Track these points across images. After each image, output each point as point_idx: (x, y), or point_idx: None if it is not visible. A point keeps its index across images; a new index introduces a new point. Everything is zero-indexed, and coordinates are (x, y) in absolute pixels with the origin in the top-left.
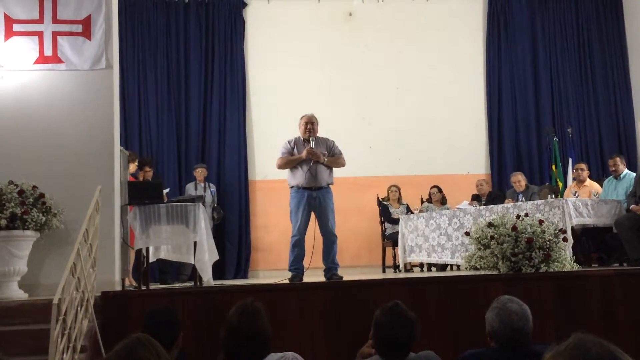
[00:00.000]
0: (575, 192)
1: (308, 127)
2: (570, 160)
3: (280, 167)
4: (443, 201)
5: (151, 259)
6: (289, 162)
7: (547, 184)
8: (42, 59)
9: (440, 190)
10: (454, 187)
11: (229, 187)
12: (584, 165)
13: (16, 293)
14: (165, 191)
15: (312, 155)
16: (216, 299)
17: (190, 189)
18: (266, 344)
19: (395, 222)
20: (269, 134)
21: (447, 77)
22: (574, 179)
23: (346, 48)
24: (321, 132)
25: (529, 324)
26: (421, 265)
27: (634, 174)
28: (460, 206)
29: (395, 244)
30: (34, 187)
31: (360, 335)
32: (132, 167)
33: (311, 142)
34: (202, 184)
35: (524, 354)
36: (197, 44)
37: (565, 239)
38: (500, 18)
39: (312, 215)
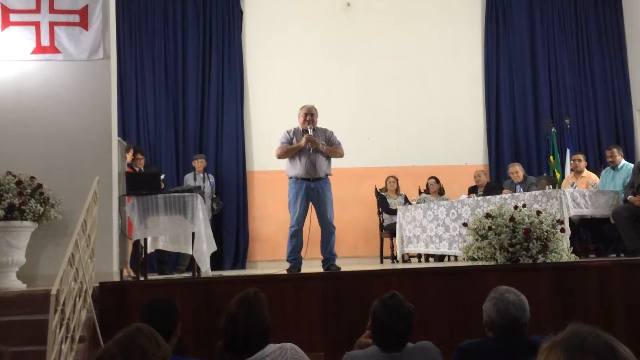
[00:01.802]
0: (573, 183)
1: (307, 118)
2: (568, 151)
3: (280, 156)
4: (441, 192)
5: (149, 250)
6: (289, 151)
7: (544, 174)
8: (39, 49)
9: (438, 181)
10: (452, 178)
11: (226, 178)
12: (581, 156)
13: (15, 283)
14: (162, 177)
15: (311, 143)
16: (214, 290)
17: (189, 179)
18: (265, 335)
19: (393, 212)
20: (267, 125)
21: (446, 67)
22: (571, 169)
23: (344, 38)
24: (319, 123)
25: (526, 314)
26: (419, 256)
27: (632, 165)
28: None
29: (393, 234)
30: (32, 178)
31: (358, 326)
32: (128, 157)
33: (309, 131)
34: (201, 175)
35: (521, 344)
36: (194, 34)
37: (562, 230)
38: (499, 9)
39: (310, 206)
